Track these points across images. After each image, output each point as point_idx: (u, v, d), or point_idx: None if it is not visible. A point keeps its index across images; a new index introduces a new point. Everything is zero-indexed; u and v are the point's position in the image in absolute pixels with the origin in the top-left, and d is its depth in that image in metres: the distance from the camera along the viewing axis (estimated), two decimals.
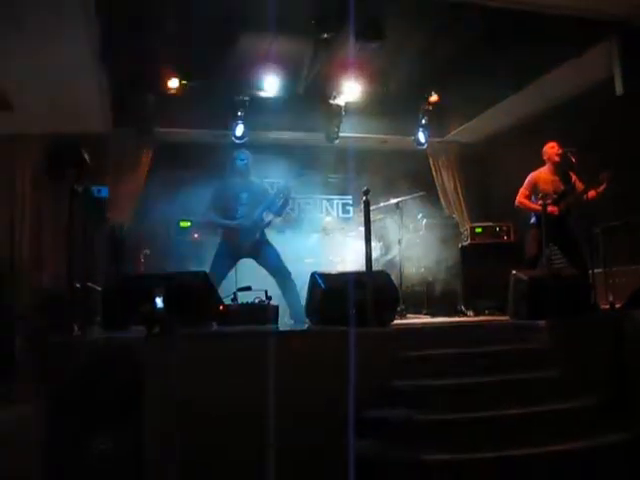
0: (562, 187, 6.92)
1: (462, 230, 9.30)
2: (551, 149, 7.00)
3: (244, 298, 6.12)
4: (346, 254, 8.73)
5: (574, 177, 6.96)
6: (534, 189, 6.97)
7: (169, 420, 3.95)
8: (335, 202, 10.74)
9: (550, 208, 6.56)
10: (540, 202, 6.42)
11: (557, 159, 6.93)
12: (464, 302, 8.26)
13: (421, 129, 9.95)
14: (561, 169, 6.99)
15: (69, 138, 7.44)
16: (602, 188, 6.55)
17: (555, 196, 6.81)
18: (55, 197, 7.92)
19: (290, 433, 4.11)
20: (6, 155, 8.85)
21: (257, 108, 8.87)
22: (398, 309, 6.51)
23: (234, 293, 6.22)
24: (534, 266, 6.77)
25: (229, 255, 6.95)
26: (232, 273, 7.11)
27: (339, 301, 5.03)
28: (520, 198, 7.06)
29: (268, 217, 7.05)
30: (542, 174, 7.04)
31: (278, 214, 7.15)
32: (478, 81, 8.31)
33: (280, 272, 6.89)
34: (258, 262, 7.02)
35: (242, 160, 7.14)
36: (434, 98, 9.33)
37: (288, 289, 6.82)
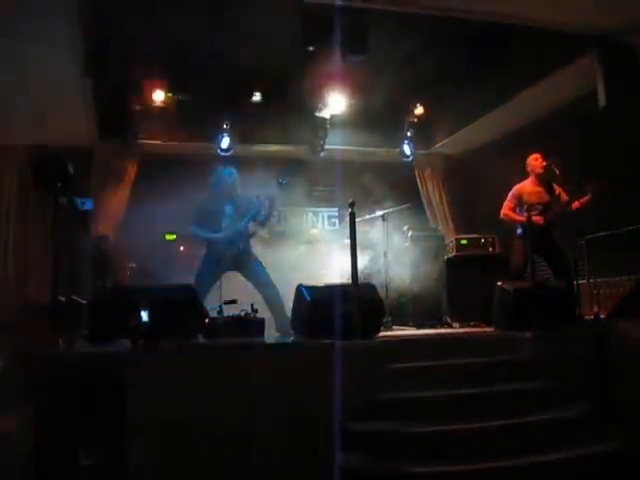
0: (547, 198, 6.96)
1: (447, 242, 9.31)
2: (535, 161, 7.07)
3: (230, 311, 6.11)
4: (332, 266, 8.73)
5: (558, 189, 7.01)
6: (519, 201, 7.02)
7: (152, 433, 3.92)
8: (321, 214, 10.74)
9: (535, 218, 6.60)
10: (525, 213, 6.47)
11: (540, 171, 6.99)
12: (450, 314, 8.26)
13: (406, 141, 10.00)
14: (545, 180, 7.04)
15: (54, 150, 7.40)
16: (587, 199, 6.60)
17: (540, 207, 6.86)
18: (41, 210, 7.88)
19: (275, 446, 4.09)
20: None
21: (243, 121, 8.88)
22: (384, 321, 6.51)
23: (220, 306, 6.21)
24: (520, 277, 6.81)
25: (213, 267, 6.93)
26: (217, 286, 7.09)
27: (325, 313, 5.02)
28: (505, 210, 7.11)
29: (252, 227, 7.06)
30: (526, 186, 7.10)
31: (262, 224, 7.15)
32: (463, 94, 8.36)
33: (265, 284, 6.87)
34: (243, 274, 7.01)
35: (227, 178, 7.15)
36: (419, 111, 9.39)
37: (273, 301, 6.81)
